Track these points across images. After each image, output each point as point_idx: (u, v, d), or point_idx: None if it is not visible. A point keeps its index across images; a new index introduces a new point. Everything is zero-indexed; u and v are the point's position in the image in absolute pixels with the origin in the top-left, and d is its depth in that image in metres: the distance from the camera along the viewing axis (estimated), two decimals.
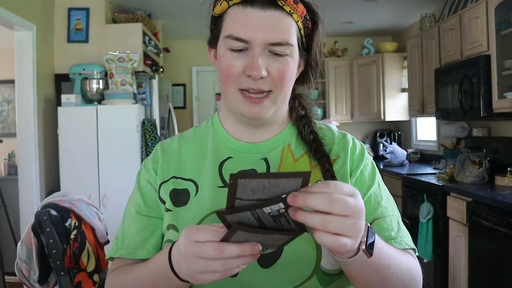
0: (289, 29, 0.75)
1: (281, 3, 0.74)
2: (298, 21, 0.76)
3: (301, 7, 0.76)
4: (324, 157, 0.81)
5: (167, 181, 0.84)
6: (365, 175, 0.84)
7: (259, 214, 0.55)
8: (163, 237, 0.83)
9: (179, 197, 0.81)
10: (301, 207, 0.54)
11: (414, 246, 0.81)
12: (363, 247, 0.60)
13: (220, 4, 0.77)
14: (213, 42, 0.82)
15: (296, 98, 0.88)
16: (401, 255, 0.73)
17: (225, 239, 0.57)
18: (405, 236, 0.80)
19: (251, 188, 0.53)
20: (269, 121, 0.83)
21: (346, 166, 0.83)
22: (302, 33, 0.78)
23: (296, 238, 0.58)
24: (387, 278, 0.69)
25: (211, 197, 0.79)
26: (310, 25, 0.79)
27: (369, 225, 0.62)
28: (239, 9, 0.74)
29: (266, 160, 0.83)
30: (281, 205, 0.54)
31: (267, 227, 0.57)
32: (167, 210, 0.81)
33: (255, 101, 0.76)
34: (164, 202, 0.83)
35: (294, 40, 0.76)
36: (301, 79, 0.86)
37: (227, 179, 0.81)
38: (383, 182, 0.87)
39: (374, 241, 0.62)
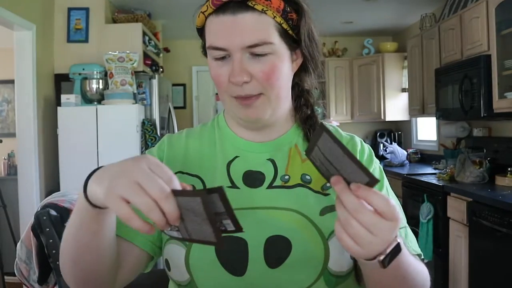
0: (265, 27, 0.74)
1: (251, 3, 0.73)
2: (275, 16, 0.74)
3: (275, 2, 0.74)
4: None
5: None
6: None
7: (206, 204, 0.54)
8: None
9: None
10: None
11: (420, 252, 0.81)
12: (380, 258, 0.59)
13: (199, 17, 0.78)
14: (204, 51, 0.83)
15: (301, 96, 0.87)
16: (419, 266, 0.73)
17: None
18: (412, 242, 0.81)
19: (329, 147, 0.57)
20: (270, 122, 0.82)
21: None
22: (285, 26, 0.76)
23: (207, 243, 0.57)
24: (400, 286, 0.69)
25: None
26: (295, 16, 0.78)
27: (399, 241, 0.60)
28: (214, 18, 0.75)
29: (273, 161, 0.83)
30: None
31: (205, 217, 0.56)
32: None
33: (247, 102, 0.76)
34: None
35: (273, 37, 0.75)
36: (303, 71, 0.85)
37: (235, 179, 0.81)
38: (390, 187, 0.88)
39: (395, 257, 0.61)
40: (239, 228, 0.57)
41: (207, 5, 0.75)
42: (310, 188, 0.80)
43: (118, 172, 0.57)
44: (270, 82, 0.75)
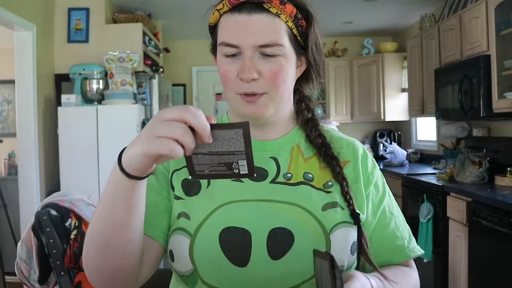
0: (278, 30, 0.77)
1: (267, 5, 0.76)
2: (287, 21, 0.78)
3: (289, 7, 0.78)
4: (333, 160, 0.85)
5: (180, 169, 0.84)
6: (379, 184, 0.89)
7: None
8: (165, 217, 0.82)
9: (191, 187, 0.82)
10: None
11: (423, 251, 0.89)
12: None
13: (213, 14, 0.81)
14: (214, 49, 0.85)
15: (302, 101, 0.91)
16: (401, 282, 0.81)
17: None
18: (415, 242, 0.89)
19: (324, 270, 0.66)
20: (271, 120, 0.85)
21: (358, 170, 0.87)
22: (295, 32, 0.80)
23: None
24: None
25: (224, 190, 0.81)
26: (304, 24, 0.81)
27: (372, 283, 0.71)
28: (228, 16, 0.78)
29: (276, 159, 0.85)
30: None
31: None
32: (178, 197, 0.82)
33: (251, 99, 0.79)
34: (173, 189, 0.83)
35: (284, 40, 0.78)
36: (305, 78, 0.88)
37: None
38: (388, 187, 0.92)
39: None
40: (251, 172, 0.61)
41: (223, 4, 0.79)
42: (312, 186, 0.83)
43: (148, 127, 0.61)
44: (276, 82, 0.78)
